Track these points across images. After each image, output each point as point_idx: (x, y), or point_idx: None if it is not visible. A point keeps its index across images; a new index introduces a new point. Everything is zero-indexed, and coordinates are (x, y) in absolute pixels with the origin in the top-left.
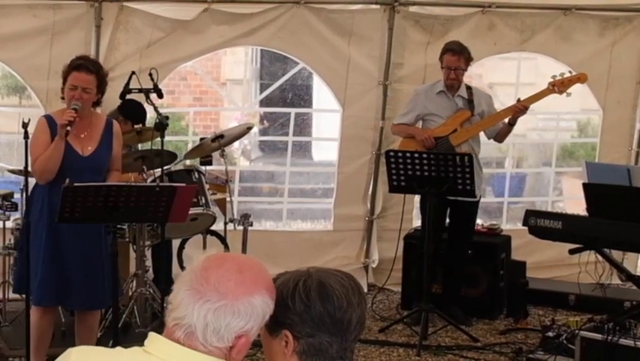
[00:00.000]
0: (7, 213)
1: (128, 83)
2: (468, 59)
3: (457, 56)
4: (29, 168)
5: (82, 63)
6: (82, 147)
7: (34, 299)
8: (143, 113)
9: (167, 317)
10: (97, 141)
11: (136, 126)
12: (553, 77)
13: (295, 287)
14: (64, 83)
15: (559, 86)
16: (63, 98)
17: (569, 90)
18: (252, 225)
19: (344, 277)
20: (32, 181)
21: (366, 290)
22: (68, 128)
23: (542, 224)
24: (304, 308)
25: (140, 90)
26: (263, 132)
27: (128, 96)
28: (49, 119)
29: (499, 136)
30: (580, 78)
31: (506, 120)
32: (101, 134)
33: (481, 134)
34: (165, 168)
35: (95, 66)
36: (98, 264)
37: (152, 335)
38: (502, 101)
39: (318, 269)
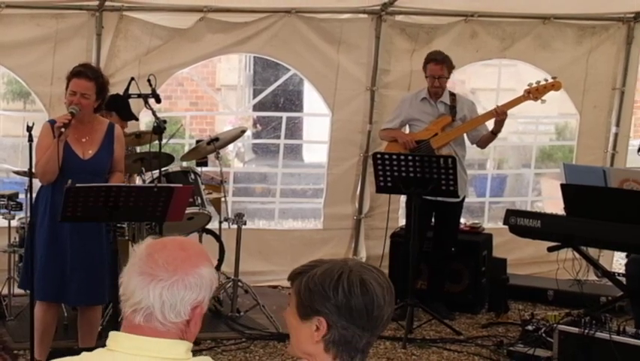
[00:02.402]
0: (12, 212)
1: (127, 89)
2: (450, 67)
3: (440, 65)
4: (33, 170)
5: (82, 70)
6: (83, 151)
7: (37, 295)
8: (124, 103)
9: (124, 307)
10: (97, 145)
11: (121, 117)
12: (530, 84)
13: (339, 279)
14: (67, 89)
15: (534, 93)
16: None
17: (543, 97)
18: (245, 224)
19: (380, 275)
20: (37, 182)
21: None
22: (62, 130)
23: (522, 223)
24: (345, 301)
25: (139, 95)
26: (256, 135)
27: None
28: (53, 123)
29: (481, 142)
30: (554, 86)
31: (490, 128)
32: (102, 139)
33: (467, 139)
34: (163, 169)
35: (94, 73)
36: (97, 261)
37: (112, 333)
38: (484, 105)
39: (357, 263)
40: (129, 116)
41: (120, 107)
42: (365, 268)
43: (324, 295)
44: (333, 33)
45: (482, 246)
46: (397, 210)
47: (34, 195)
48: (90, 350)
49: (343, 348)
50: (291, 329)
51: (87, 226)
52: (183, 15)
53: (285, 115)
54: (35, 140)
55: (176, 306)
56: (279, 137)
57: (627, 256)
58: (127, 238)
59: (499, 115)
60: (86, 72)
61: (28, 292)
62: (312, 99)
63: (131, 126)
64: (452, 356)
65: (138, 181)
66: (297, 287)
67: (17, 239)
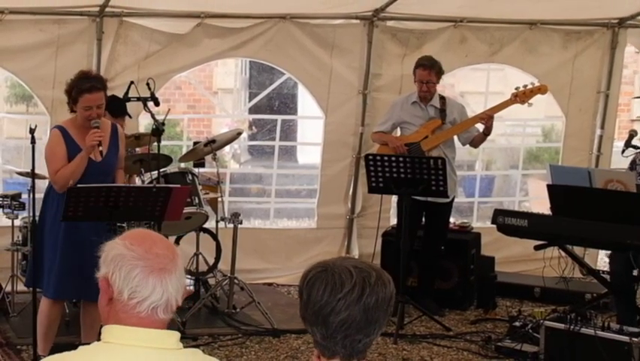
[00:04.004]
0: (15, 212)
1: (127, 92)
2: (439, 73)
3: (428, 70)
4: (37, 172)
5: (93, 85)
6: (95, 154)
7: (51, 293)
8: (120, 102)
9: (137, 307)
10: (106, 146)
11: (122, 120)
12: (517, 88)
13: (305, 272)
14: (74, 102)
15: (521, 96)
16: (72, 111)
17: (530, 101)
18: (241, 223)
19: (354, 275)
20: (39, 183)
21: None
22: (100, 149)
23: (510, 222)
24: (299, 289)
25: (139, 99)
26: (252, 137)
27: (127, 104)
28: (62, 130)
29: (474, 142)
30: (540, 89)
31: (480, 129)
32: (109, 140)
33: (456, 140)
34: (161, 170)
35: (100, 82)
36: None
37: (106, 327)
38: (473, 108)
39: (342, 266)
40: (120, 112)
41: (112, 105)
42: (340, 266)
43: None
44: (327, 38)
45: (471, 244)
46: (389, 210)
47: (37, 195)
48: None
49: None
50: None
51: (100, 223)
52: (181, 21)
53: (279, 118)
54: (38, 142)
55: (180, 289)
56: (274, 139)
57: (611, 255)
58: None
59: (486, 119)
60: (96, 85)
61: (30, 289)
62: (306, 102)
63: (131, 128)
64: (442, 351)
65: (137, 182)
66: None
67: (20, 238)
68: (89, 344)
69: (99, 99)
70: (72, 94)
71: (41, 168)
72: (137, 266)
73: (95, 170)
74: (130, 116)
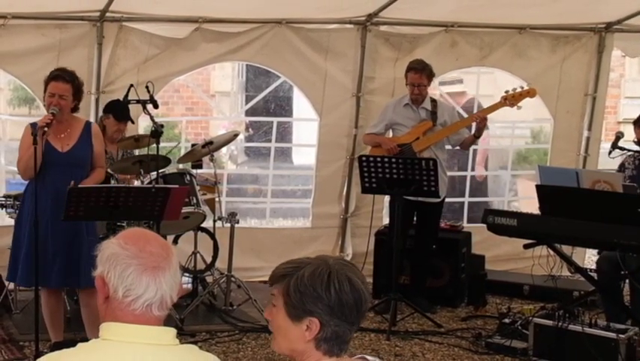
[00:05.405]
0: (17, 212)
1: (126, 95)
2: (430, 76)
3: (419, 73)
4: (22, 166)
5: (59, 74)
6: (61, 145)
7: (18, 280)
8: (124, 107)
9: (132, 304)
10: (75, 139)
11: (123, 124)
12: (506, 91)
13: (329, 279)
14: (45, 91)
15: (510, 99)
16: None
17: (519, 104)
18: (238, 222)
19: (356, 270)
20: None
21: None
22: (45, 129)
23: (499, 222)
24: (337, 300)
25: (138, 101)
26: (248, 139)
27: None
28: (33, 125)
29: (464, 145)
30: (529, 93)
31: (470, 131)
32: (79, 134)
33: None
34: (160, 171)
35: (70, 77)
36: (77, 246)
37: (104, 324)
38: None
39: (336, 261)
40: (124, 116)
41: (117, 109)
42: (344, 265)
43: (316, 296)
44: (321, 42)
45: (462, 243)
46: (381, 209)
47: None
48: (87, 340)
49: (334, 343)
50: (277, 329)
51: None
52: (179, 25)
53: (275, 120)
54: (39, 144)
55: (174, 287)
56: (270, 140)
57: (599, 253)
58: None
59: (481, 121)
60: (63, 76)
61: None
62: (301, 105)
63: (130, 130)
64: (433, 347)
65: (137, 182)
66: (285, 289)
67: None
68: (87, 340)
69: (63, 90)
70: (45, 83)
71: None
72: (130, 265)
73: (58, 160)
74: (133, 122)
